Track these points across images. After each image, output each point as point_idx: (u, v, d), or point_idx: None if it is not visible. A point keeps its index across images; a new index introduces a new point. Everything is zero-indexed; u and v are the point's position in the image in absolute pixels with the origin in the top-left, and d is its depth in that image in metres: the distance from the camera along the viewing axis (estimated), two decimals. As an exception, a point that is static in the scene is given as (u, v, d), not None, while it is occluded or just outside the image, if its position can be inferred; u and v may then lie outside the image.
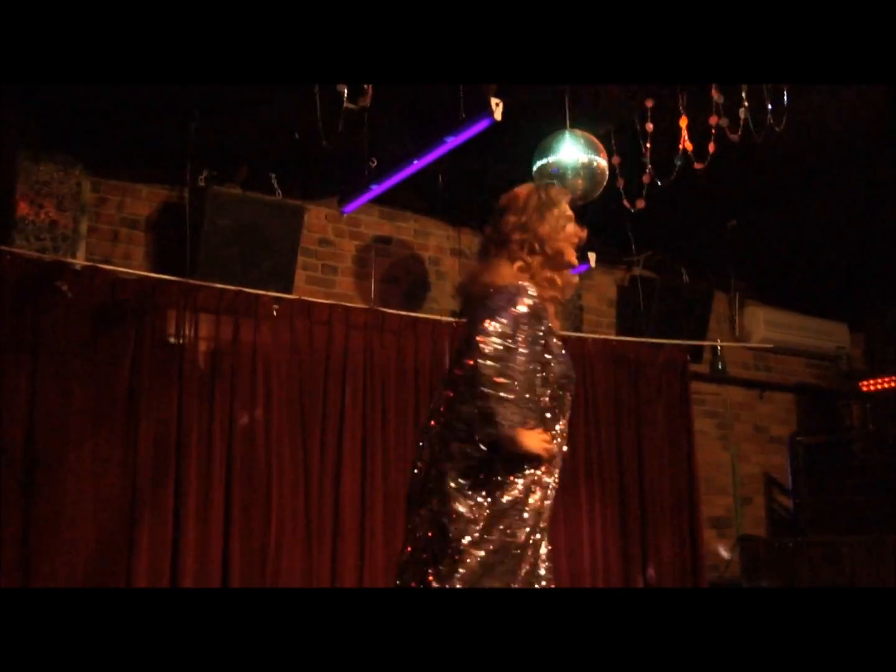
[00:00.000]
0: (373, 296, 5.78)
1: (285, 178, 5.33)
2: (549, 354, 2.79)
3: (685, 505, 6.35)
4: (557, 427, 2.84)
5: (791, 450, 7.52)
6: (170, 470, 4.70)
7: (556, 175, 4.26)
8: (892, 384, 6.83)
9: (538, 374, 2.74)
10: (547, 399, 2.79)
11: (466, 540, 2.58)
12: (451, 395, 2.75)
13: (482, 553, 2.59)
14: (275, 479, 4.94)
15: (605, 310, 6.98)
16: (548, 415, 2.79)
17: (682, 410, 6.52)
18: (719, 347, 7.32)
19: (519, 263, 2.81)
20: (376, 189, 4.72)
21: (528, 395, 2.68)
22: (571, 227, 2.89)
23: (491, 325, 2.61)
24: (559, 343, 2.87)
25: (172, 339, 4.90)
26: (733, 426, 7.69)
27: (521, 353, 2.66)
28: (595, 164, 4.34)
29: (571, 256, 2.91)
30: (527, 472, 2.68)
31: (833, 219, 6.28)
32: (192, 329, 4.91)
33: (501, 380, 2.58)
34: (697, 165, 4.29)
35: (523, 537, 2.66)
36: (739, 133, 4.14)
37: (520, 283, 2.73)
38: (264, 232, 5.10)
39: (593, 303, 6.91)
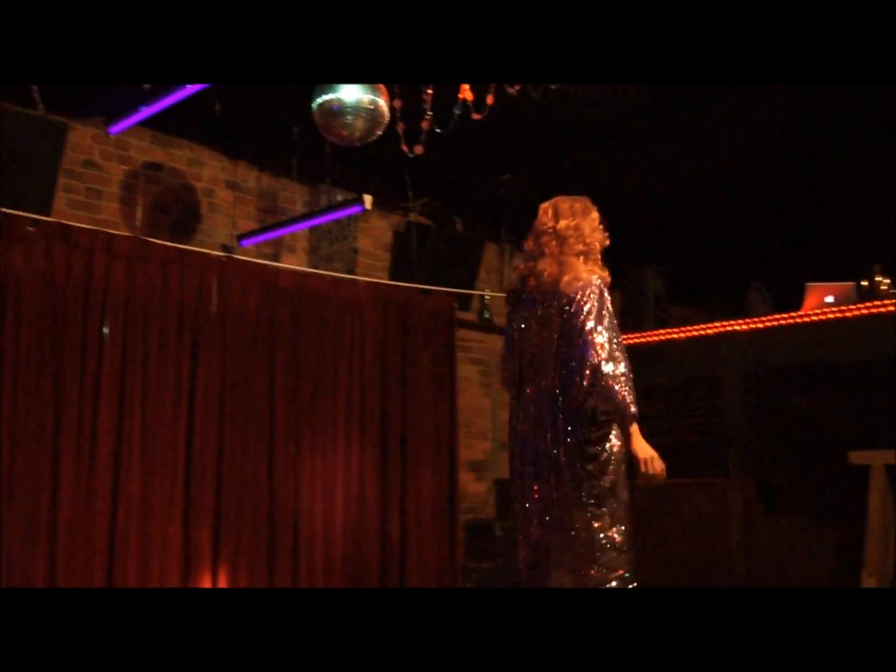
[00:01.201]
0: (139, 224, 5.54)
1: (49, 91, 4.98)
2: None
3: (445, 448, 6.54)
4: None
5: (548, 398, 7.87)
6: None
7: (336, 113, 4.21)
8: (641, 340, 7.26)
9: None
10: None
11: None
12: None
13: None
14: (20, 416, 4.66)
15: (379, 254, 7.01)
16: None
17: (447, 356, 6.68)
18: (487, 297, 7.53)
19: (586, 260, 3.58)
20: (146, 111, 4.48)
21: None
22: (602, 232, 3.70)
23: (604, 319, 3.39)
24: None
25: None
26: (496, 374, 7.95)
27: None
28: (376, 105, 4.31)
29: (600, 252, 3.67)
30: None
31: (598, 180, 6.56)
32: (-66, 247, 4.54)
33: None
34: (475, 116, 4.35)
35: None
36: (518, 88, 4.23)
37: (595, 276, 3.50)
38: (22, 148, 4.76)
39: (368, 246, 6.92)
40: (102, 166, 5.50)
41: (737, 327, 6.54)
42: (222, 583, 5.30)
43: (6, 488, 4.57)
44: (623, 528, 3.49)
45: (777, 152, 5.87)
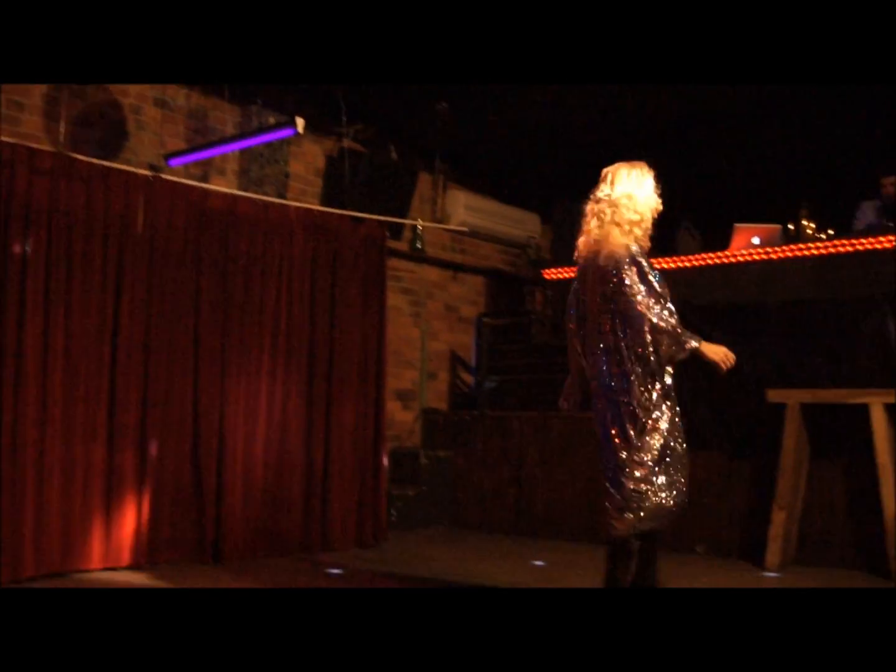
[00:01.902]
0: (62, 140, 5.37)
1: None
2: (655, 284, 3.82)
3: (372, 376, 6.54)
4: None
5: (477, 330, 7.92)
6: None
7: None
8: (570, 274, 7.30)
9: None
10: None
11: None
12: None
13: None
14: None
15: (312, 179, 6.92)
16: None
17: (377, 285, 6.65)
18: (419, 227, 7.50)
19: (625, 229, 3.85)
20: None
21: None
22: (656, 200, 3.94)
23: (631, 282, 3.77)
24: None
25: None
26: (426, 304, 7.98)
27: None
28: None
29: (650, 220, 3.96)
30: None
31: (533, 113, 6.54)
32: None
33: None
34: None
35: None
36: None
37: (631, 246, 3.81)
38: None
39: (300, 171, 6.83)
40: (24, 77, 5.30)
41: (664, 265, 6.62)
42: (145, 506, 5.28)
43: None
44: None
45: (710, 94, 5.89)
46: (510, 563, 5.79)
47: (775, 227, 6.36)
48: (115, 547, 5.17)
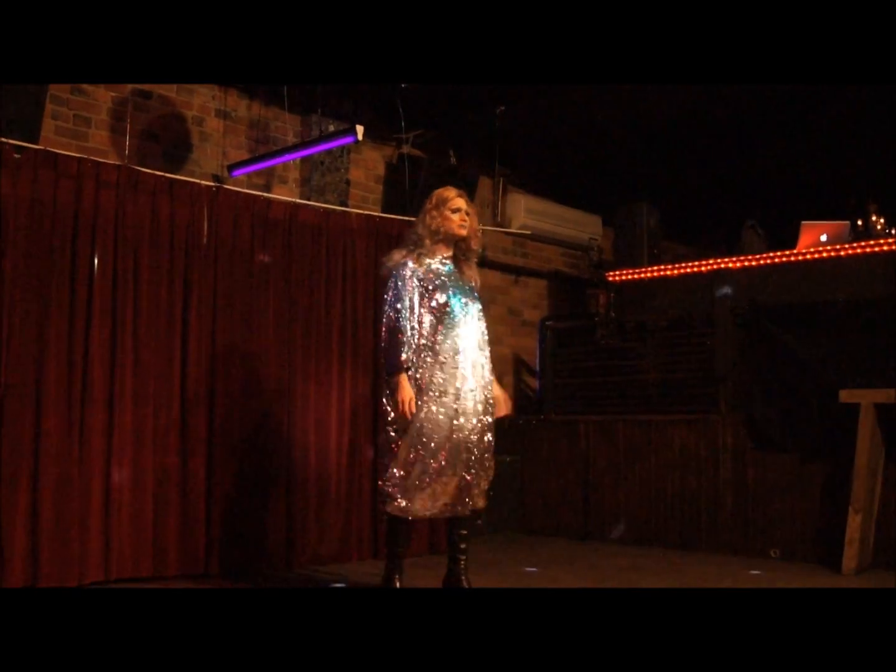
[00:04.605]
0: (128, 153, 5.46)
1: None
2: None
3: (437, 382, 6.52)
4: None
5: (540, 333, 7.88)
6: None
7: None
8: (634, 276, 7.24)
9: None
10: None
11: None
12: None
13: None
14: (4, 346, 4.60)
15: (372, 185, 6.95)
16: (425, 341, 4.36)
17: (440, 290, 6.63)
18: (480, 231, 7.46)
19: (408, 246, 4.52)
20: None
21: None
22: (433, 221, 4.50)
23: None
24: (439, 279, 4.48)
25: None
26: (489, 308, 7.93)
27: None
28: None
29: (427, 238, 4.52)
30: None
31: (592, 115, 6.49)
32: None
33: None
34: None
35: None
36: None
37: (393, 262, 4.47)
38: (7, 73, 4.66)
39: (361, 178, 6.86)
40: (90, 93, 5.41)
41: (730, 265, 6.52)
42: (216, 514, 5.31)
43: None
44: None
45: (776, 91, 5.79)
46: (578, 567, 5.74)
47: (843, 224, 6.22)
48: (190, 553, 5.24)
